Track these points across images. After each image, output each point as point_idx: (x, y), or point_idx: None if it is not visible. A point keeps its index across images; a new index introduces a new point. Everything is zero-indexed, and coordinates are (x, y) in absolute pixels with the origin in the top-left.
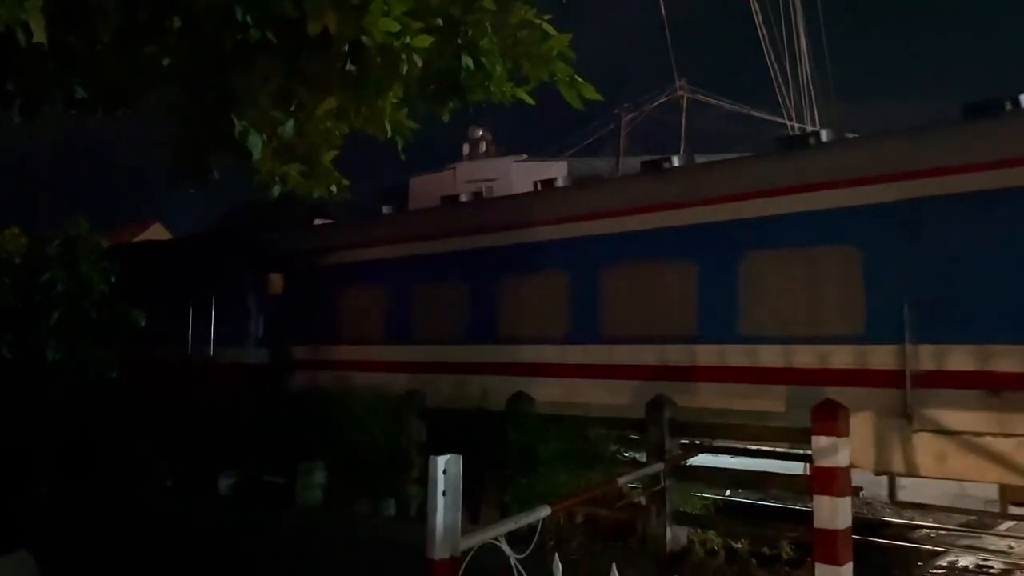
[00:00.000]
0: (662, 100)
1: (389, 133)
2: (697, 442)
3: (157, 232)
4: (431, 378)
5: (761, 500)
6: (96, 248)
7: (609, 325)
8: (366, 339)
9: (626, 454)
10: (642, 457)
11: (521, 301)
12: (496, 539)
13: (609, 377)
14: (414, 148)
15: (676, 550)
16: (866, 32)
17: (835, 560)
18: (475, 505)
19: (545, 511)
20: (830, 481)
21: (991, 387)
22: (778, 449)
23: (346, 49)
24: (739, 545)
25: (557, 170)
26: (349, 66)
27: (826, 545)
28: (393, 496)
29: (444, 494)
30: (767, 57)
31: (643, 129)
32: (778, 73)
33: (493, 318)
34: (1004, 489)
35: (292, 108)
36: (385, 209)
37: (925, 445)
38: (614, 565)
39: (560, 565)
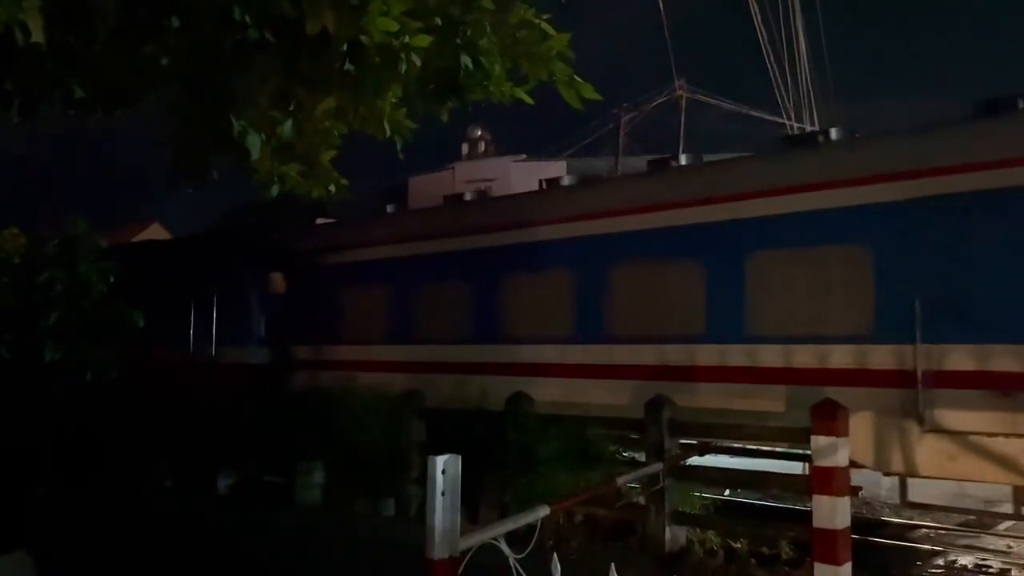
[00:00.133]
0: (661, 100)
1: (388, 133)
2: (704, 442)
3: (156, 232)
4: (433, 378)
5: (760, 500)
6: (95, 248)
7: (615, 325)
8: (368, 339)
9: (625, 454)
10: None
11: (528, 300)
12: (495, 539)
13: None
14: (413, 148)
15: (675, 550)
16: (866, 32)
17: (834, 560)
18: (474, 505)
19: (544, 511)
20: (829, 481)
21: (1004, 388)
22: (778, 449)
23: (345, 49)
24: (738, 545)
25: (556, 170)
26: (348, 66)
27: (825, 545)
28: (392, 496)
29: (443, 494)
30: (766, 57)
31: (642, 129)
32: (777, 73)
33: (496, 318)
34: (1018, 491)
35: (291, 108)
36: (388, 208)
37: (936, 446)
38: (613, 565)
39: (559, 565)
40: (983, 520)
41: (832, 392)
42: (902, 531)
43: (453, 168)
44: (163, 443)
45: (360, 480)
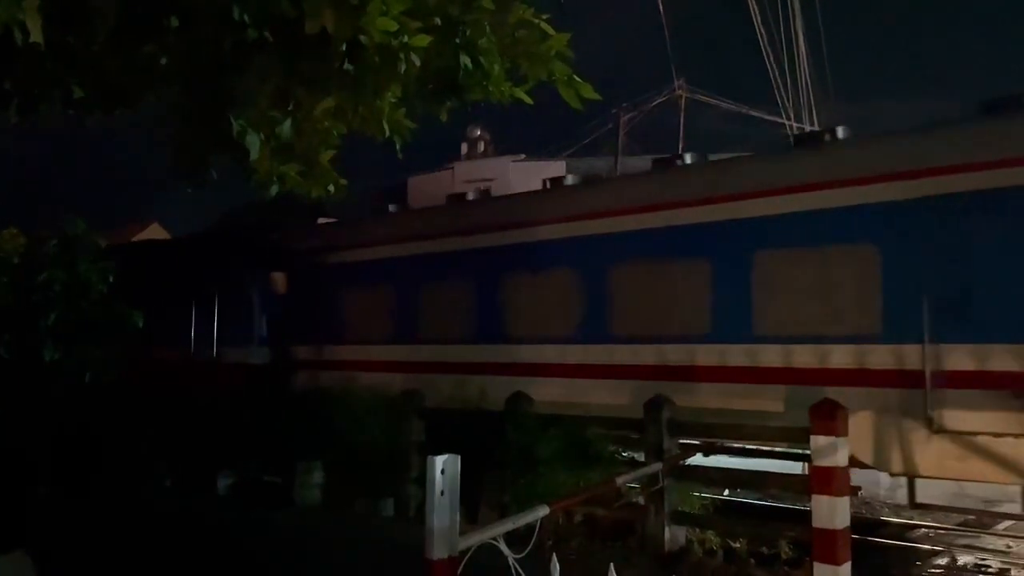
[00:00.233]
0: (660, 100)
1: (387, 133)
2: (708, 442)
3: (155, 232)
4: (437, 378)
5: (759, 499)
6: (94, 248)
7: (619, 325)
8: (370, 339)
9: (624, 453)
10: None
11: (533, 300)
12: (494, 539)
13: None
14: (412, 148)
15: (674, 550)
16: (866, 32)
17: (834, 559)
18: (474, 505)
19: (543, 511)
20: (829, 481)
21: (1014, 388)
22: (777, 449)
23: (344, 48)
24: (737, 545)
25: (556, 170)
26: (347, 66)
27: (825, 544)
28: (392, 496)
29: (442, 494)
30: (765, 57)
31: (641, 129)
32: (777, 73)
33: (500, 318)
34: None
35: (290, 108)
36: (391, 208)
37: (945, 446)
38: (612, 565)
39: (558, 565)
40: (982, 520)
41: (832, 392)
42: (901, 531)
43: (452, 168)
44: (163, 443)
45: (360, 480)
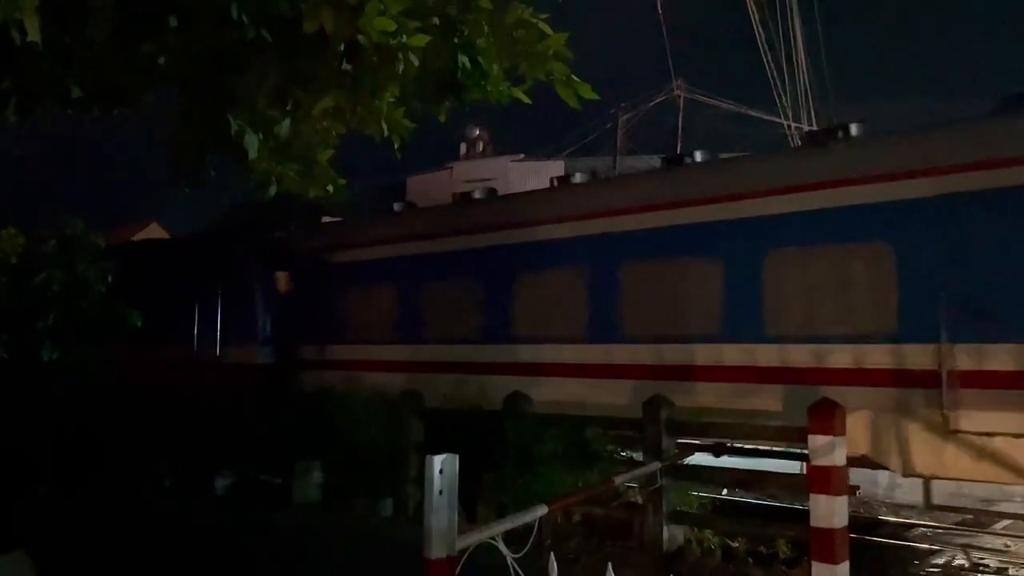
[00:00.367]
0: (659, 100)
1: (386, 132)
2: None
3: (154, 231)
4: (442, 378)
5: (758, 499)
6: (93, 248)
7: (627, 325)
8: (374, 339)
9: (623, 453)
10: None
11: (542, 299)
12: (493, 538)
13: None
14: (411, 147)
15: (673, 549)
16: (866, 32)
17: (832, 559)
18: (472, 504)
19: (542, 510)
20: (827, 480)
21: None
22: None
23: (342, 48)
24: (736, 544)
25: (554, 169)
26: (345, 65)
27: (823, 544)
28: (391, 496)
29: (441, 493)
30: (764, 57)
31: (640, 129)
32: (775, 73)
33: (507, 317)
34: None
35: (289, 107)
36: (396, 207)
37: (961, 447)
38: (610, 564)
39: (556, 564)
40: (980, 519)
41: (847, 392)
42: (900, 530)
43: (451, 168)
44: (163, 443)
45: (359, 480)
